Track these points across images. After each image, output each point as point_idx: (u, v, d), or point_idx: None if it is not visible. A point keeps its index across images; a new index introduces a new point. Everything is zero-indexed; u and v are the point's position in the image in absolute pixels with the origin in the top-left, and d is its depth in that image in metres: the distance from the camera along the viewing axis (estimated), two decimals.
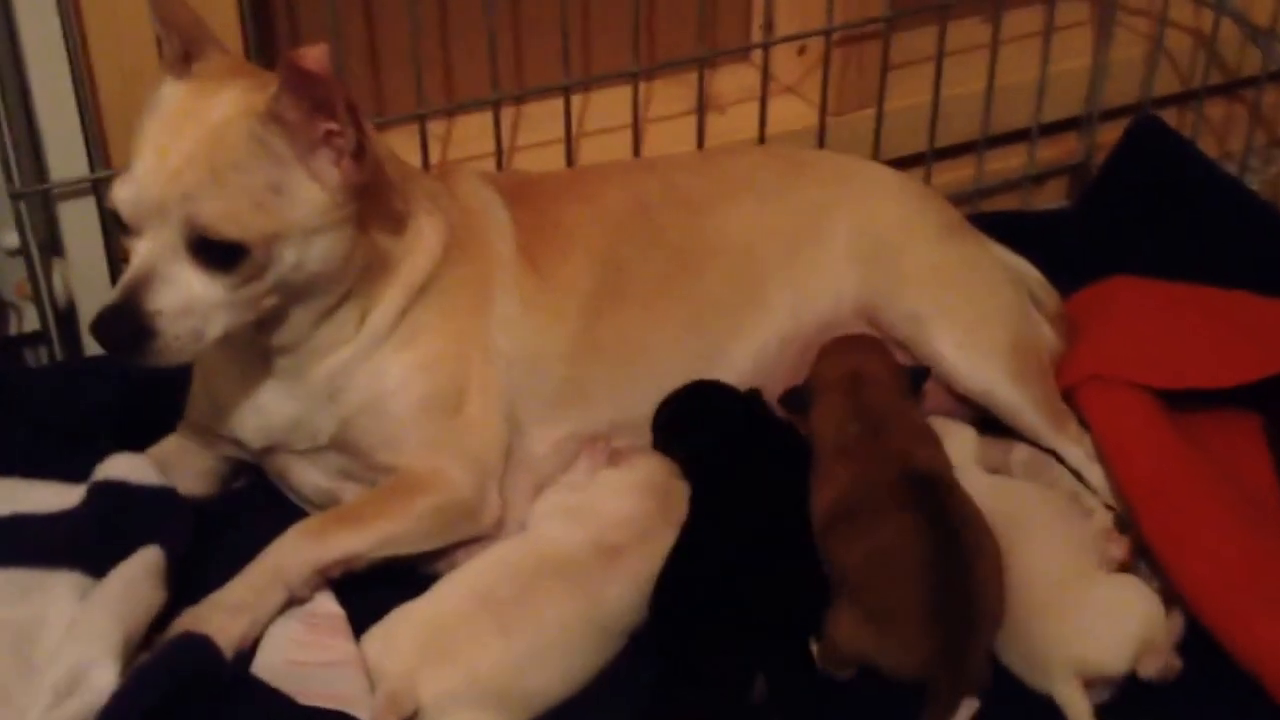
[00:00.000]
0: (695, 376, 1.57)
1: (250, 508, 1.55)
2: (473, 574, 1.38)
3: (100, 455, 1.44)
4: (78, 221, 1.66)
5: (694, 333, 1.59)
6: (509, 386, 1.49)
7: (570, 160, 1.90)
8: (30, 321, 1.73)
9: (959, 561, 1.30)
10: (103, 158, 1.65)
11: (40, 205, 1.66)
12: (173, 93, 1.30)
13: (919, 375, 1.58)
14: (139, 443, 1.51)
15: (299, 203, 1.28)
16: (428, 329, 1.45)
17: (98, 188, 1.64)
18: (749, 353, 1.61)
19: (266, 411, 1.43)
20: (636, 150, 1.93)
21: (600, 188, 1.63)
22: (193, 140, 1.25)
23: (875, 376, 1.54)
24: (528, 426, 1.51)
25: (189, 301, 1.26)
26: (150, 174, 1.25)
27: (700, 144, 1.94)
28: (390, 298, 1.42)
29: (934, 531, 1.32)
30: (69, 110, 1.59)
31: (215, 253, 1.25)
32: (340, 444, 1.45)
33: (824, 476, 1.46)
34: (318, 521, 1.40)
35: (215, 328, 1.29)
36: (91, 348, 1.64)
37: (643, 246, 1.58)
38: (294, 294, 1.33)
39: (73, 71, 1.58)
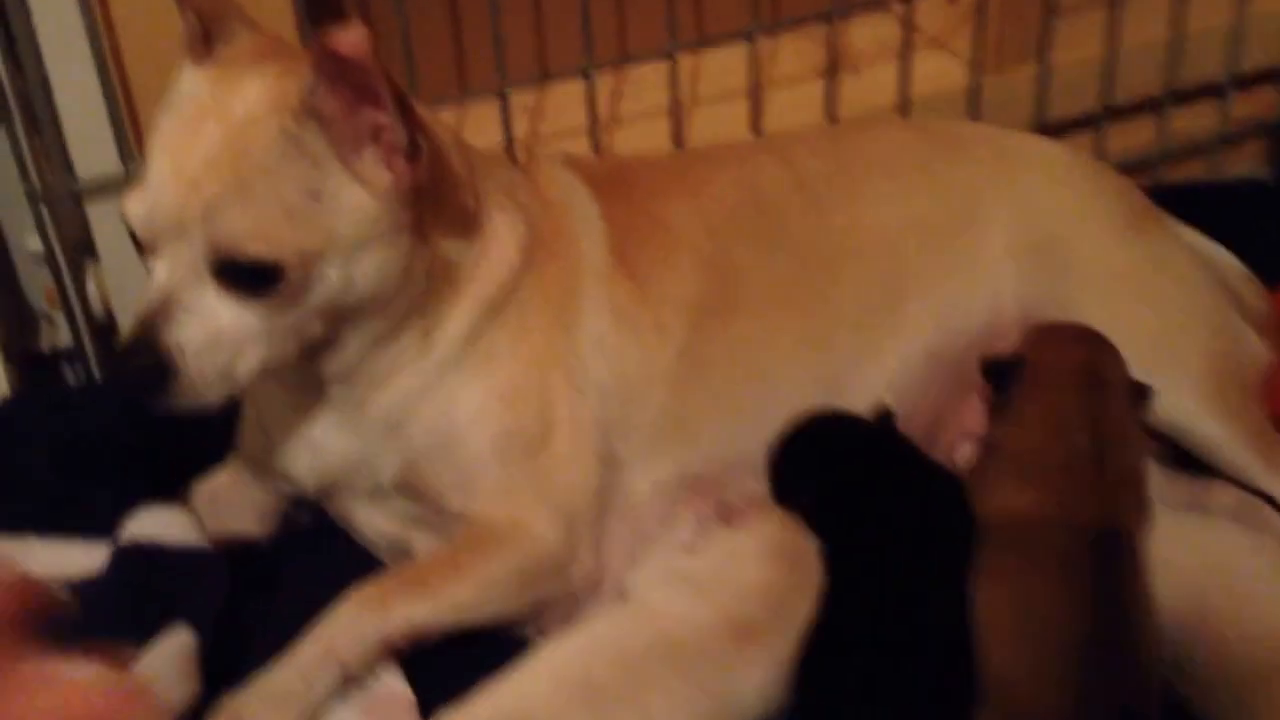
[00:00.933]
0: (822, 403, 1.37)
1: (314, 550, 1.39)
2: (567, 654, 1.20)
3: (137, 488, 1.31)
4: (110, 222, 1.51)
5: (821, 351, 1.39)
6: (601, 418, 1.31)
7: (677, 135, 1.73)
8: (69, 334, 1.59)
9: (1118, 643, 1.13)
10: (136, 152, 1.49)
11: (71, 206, 1.53)
12: (192, 83, 1.14)
13: (1143, 392, 1.34)
14: (184, 474, 1.38)
15: (343, 212, 1.12)
16: (504, 351, 1.28)
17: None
18: (886, 374, 1.41)
19: (321, 449, 1.29)
20: (755, 122, 1.75)
21: (709, 175, 1.43)
22: (214, 141, 1.09)
23: (1116, 381, 1.31)
24: (625, 464, 1.33)
25: (215, 334, 1.12)
26: (166, 184, 1.10)
27: (830, 111, 1.78)
28: (459, 315, 1.26)
29: (1098, 608, 1.15)
30: (94, 100, 1.45)
31: (245, 275, 1.10)
32: (405, 487, 1.29)
33: (991, 486, 1.27)
34: (378, 587, 1.22)
35: (248, 363, 1.14)
36: None
37: (760, 248, 1.40)
38: (343, 318, 1.18)
39: (96, 57, 1.43)
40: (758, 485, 1.35)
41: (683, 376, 1.34)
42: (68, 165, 1.49)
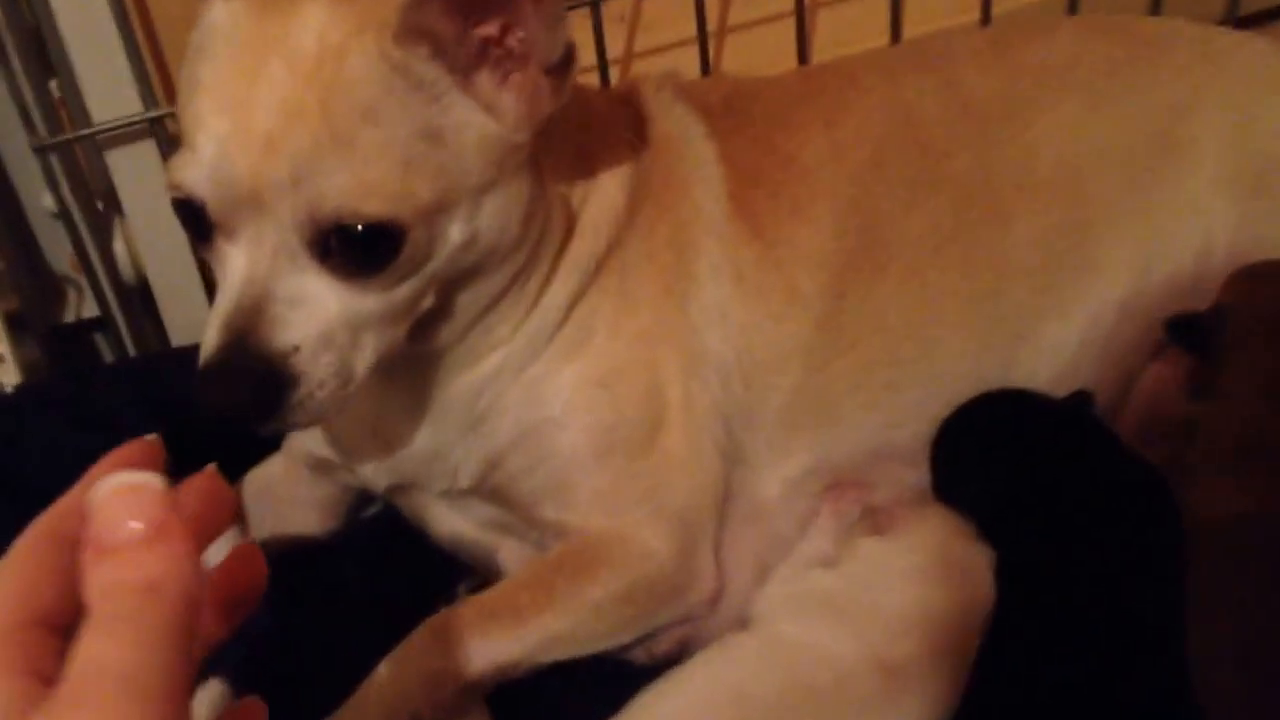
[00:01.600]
0: (990, 375, 1.18)
1: (382, 551, 1.24)
2: (681, 704, 1.03)
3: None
4: (135, 172, 1.35)
5: (990, 313, 1.19)
6: (722, 405, 1.14)
7: (803, 48, 1.50)
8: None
9: None
10: (160, 91, 1.33)
11: (93, 156, 1.36)
12: (228, 17, 0.92)
13: None
14: (230, 466, 1.15)
15: (468, 150, 0.94)
16: (604, 326, 1.11)
17: (156, 128, 1.32)
18: (1070, 336, 1.21)
19: (392, 443, 1.12)
20: (895, 23, 1.53)
21: (849, 100, 1.21)
22: (287, 85, 0.88)
23: None
24: (751, 459, 1.16)
25: (328, 328, 0.92)
26: (231, 148, 0.89)
27: (984, 9, 1.54)
28: (561, 278, 1.08)
29: None
30: (106, 32, 1.26)
31: (356, 248, 0.91)
32: (488, 490, 1.13)
33: (1201, 484, 1.07)
34: (457, 618, 1.05)
35: (365, 358, 0.95)
36: (175, 331, 1.31)
37: (914, 190, 1.19)
38: (455, 284, 1.00)
39: None
40: (913, 481, 1.18)
41: (821, 351, 1.16)
42: (81, 110, 1.32)
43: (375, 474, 1.14)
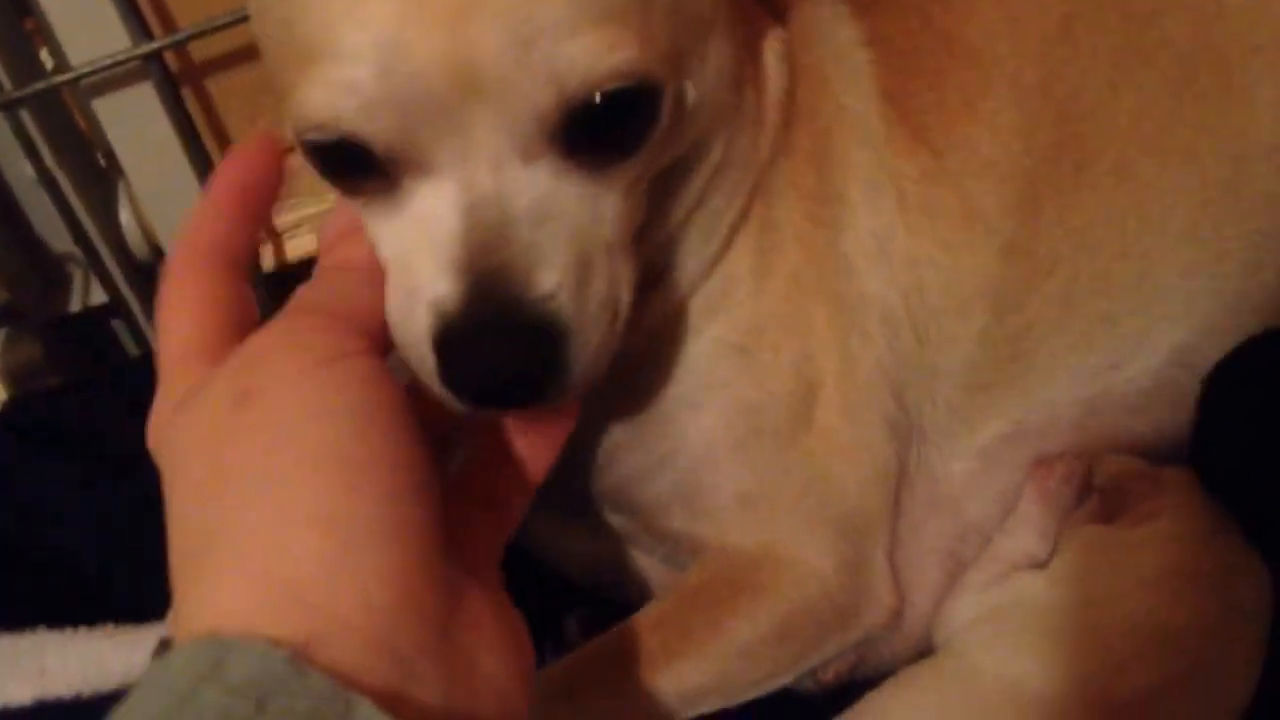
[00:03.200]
0: (1230, 289, 0.96)
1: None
2: None
3: None
4: (132, 122, 1.13)
5: (1228, 211, 0.95)
6: (890, 366, 0.92)
7: None
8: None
9: None
10: (151, 18, 1.09)
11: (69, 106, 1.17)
12: None
13: None
14: None
15: None
16: (748, 270, 0.89)
17: (152, 66, 1.10)
18: None
19: None
20: None
21: None
22: None
23: None
24: (929, 432, 0.95)
25: (584, 244, 0.72)
26: (412, 34, 0.65)
27: None
28: (711, 208, 0.87)
29: None
30: None
31: (607, 123, 0.69)
32: (606, 493, 0.93)
33: None
34: (570, 673, 0.86)
35: (626, 278, 0.75)
36: None
37: (1115, 63, 0.95)
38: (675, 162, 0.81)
39: None
40: (1143, 435, 0.95)
41: (1013, 285, 0.94)
42: (54, 50, 1.10)
43: None
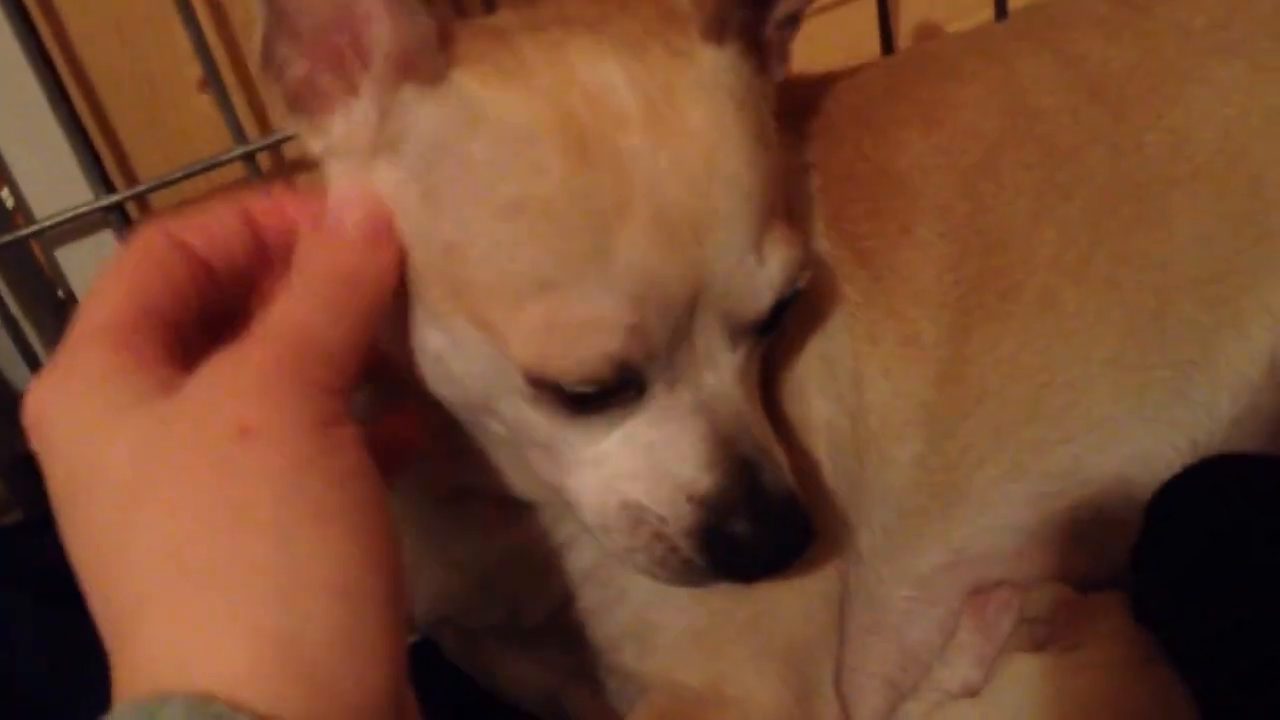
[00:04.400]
0: (1159, 416, 0.98)
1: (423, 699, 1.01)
2: None
3: None
4: (95, 267, 1.10)
5: (1152, 340, 0.98)
6: (832, 484, 0.93)
7: (886, 24, 1.28)
8: None
9: None
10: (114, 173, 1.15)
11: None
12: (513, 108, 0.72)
13: None
14: None
15: None
16: None
17: (112, 217, 1.13)
18: (1255, 354, 1.00)
19: (439, 567, 0.93)
20: None
21: (946, 92, 1.01)
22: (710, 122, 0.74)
23: None
24: (868, 555, 0.96)
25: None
26: (660, 256, 0.71)
27: None
28: None
29: None
30: (37, 110, 1.09)
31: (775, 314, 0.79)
32: (555, 631, 0.94)
33: None
34: None
35: None
36: None
37: (1038, 195, 0.98)
38: None
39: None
40: (1082, 569, 0.97)
41: (946, 411, 0.96)
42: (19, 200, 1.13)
43: (419, 605, 0.95)
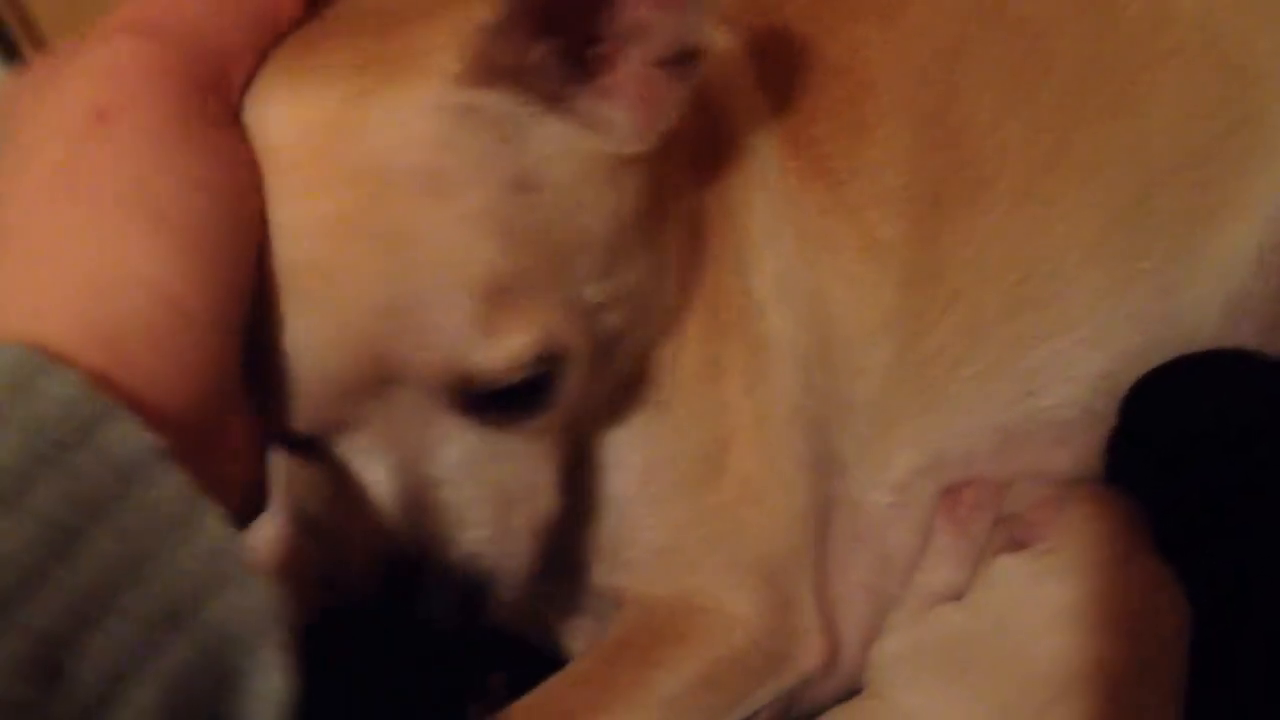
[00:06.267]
0: (1145, 310, 0.95)
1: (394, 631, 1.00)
2: None
3: None
4: None
5: (1134, 229, 0.95)
6: (802, 400, 0.92)
7: None
8: None
9: None
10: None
11: None
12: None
13: None
14: None
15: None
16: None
17: None
18: (1244, 242, 0.97)
19: None
20: None
21: None
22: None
23: None
24: (846, 466, 0.94)
25: (501, 490, 0.82)
26: (312, 350, 0.73)
27: None
28: None
29: None
30: None
31: (517, 398, 0.79)
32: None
33: None
34: None
35: (548, 492, 0.85)
36: None
37: (1008, 84, 0.95)
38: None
39: None
40: (1065, 467, 0.95)
41: (916, 314, 0.94)
42: None
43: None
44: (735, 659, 0.88)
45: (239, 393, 0.66)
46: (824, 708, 0.91)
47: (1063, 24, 0.94)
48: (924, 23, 0.94)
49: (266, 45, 0.67)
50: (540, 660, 0.96)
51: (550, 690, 0.87)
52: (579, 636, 0.96)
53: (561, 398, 0.77)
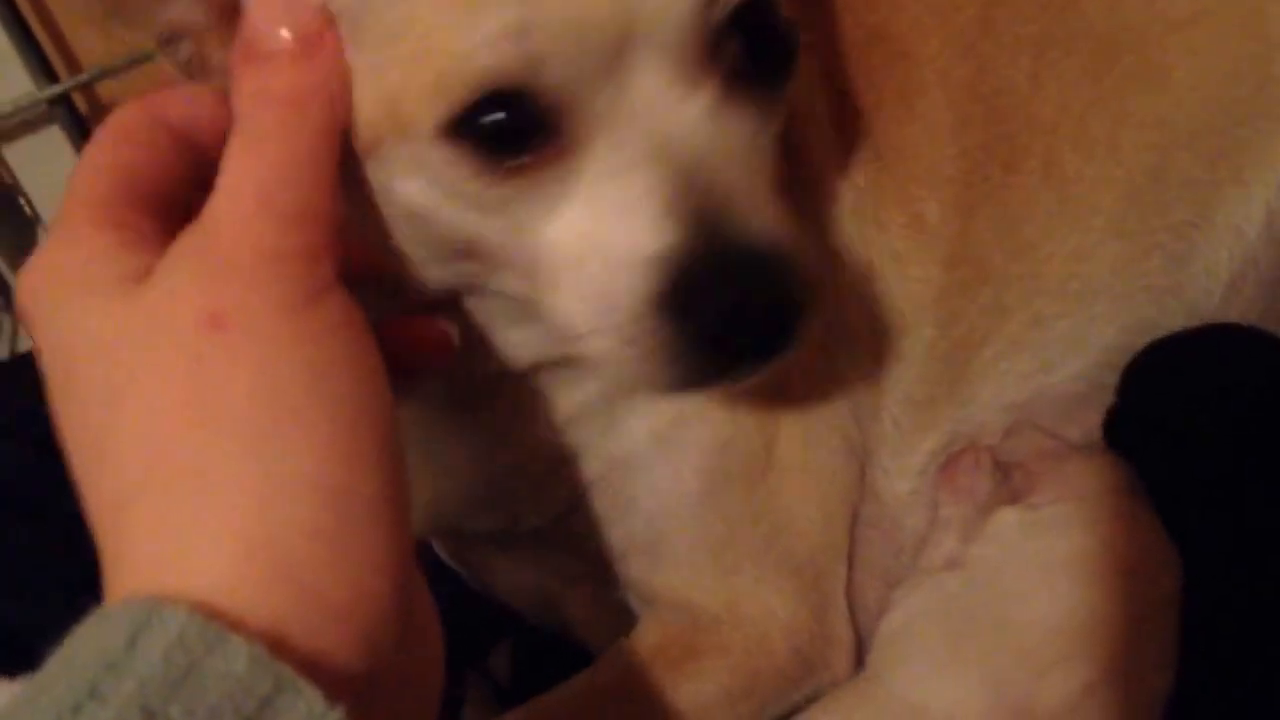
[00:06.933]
0: (1160, 282, 0.95)
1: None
2: None
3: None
4: (43, 165, 1.14)
5: (1152, 201, 0.94)
6: (849, 381, 0.90)
7: None
8: None
9: None
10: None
11: None
12: None
13: None
14: None
15: None
16: None
17: (58, 110, 1.11)
18: (1254, 210, 0.96)
19: (440, 476, 0.86)
20: None
21: None
22: None
23: None
24: (876, 452, 0.92)
25: (769, 173, 0.70)
26: None
27: None
28: None
29: None
30: None
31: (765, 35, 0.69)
32: (557, 538, 0.89)
33: None
34: None
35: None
36: None
37: (1036, 53, 0.93)
38: None
39: None
40: (1075, 439, 0.93)
41: (955, 295, 0.92)
42: None
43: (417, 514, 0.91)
44: (774, 667, 0.86)
45: (418, 573, 0.59)
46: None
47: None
48: None
49: (332, 175, 0.60)
50: (542, 636, 0.96)
51: (585, 693, 0.85)
52: (579, 604, 0.94)
53: (790, 76, 0.69)
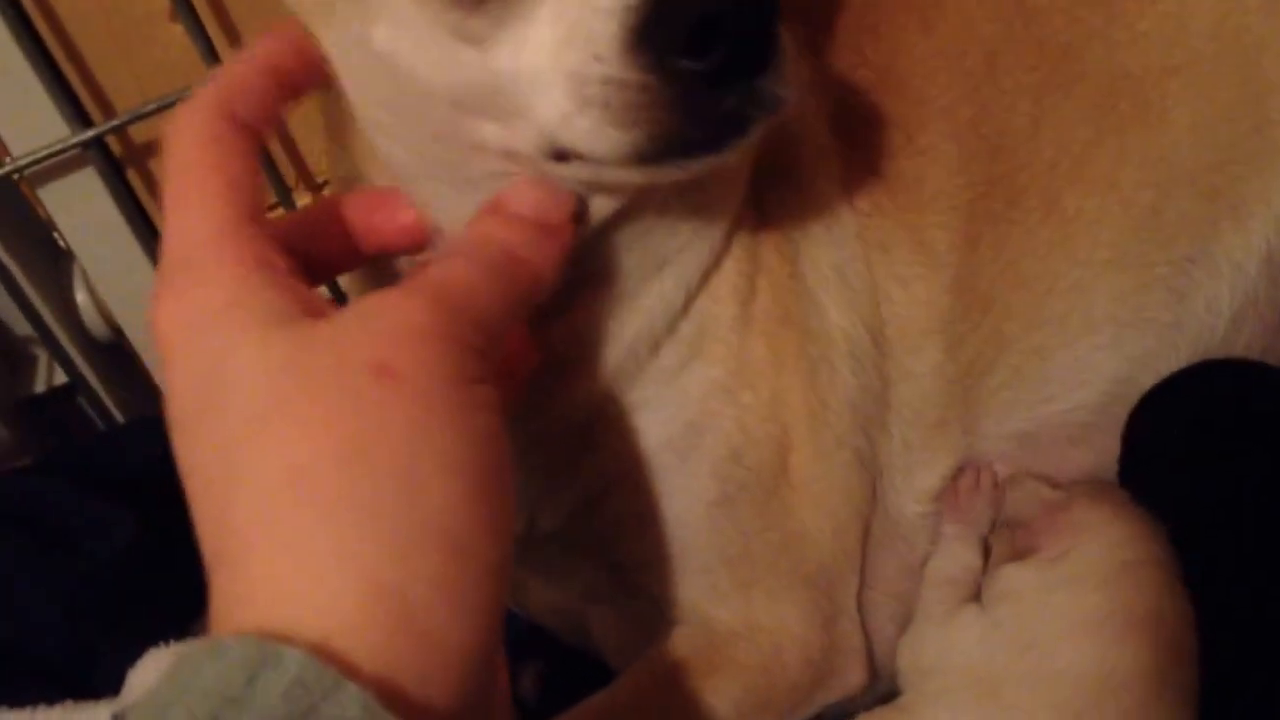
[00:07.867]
0: (1159, 316, 0.97)
1: None
2: None
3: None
4: (78, 207, 1.16)
5: (1150, 238, 0.97)
6: (857, 397, 0.91)
7: None
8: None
9: None
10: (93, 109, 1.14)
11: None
12: None
13: None
14: None
15: None
16: (724, 310, 0.87)
17: (92, 153, 1.13)
18: (1252, 245, 0.98)
19: None
20: None
21: None
22: None
23: None
24: (887, 471, 0.94)
25: None
26: None
27: None
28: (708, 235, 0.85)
29: None
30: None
31: None
32: (572, 544, 0.91)
33: None
34: None
35: None
36: None
37: (1037, 96, 0.96)
38: None
39: None
40: (1084, 465, 0.97)
41: (960, 321, 0.95)
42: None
43: None
44: (788, 681, 0.88)
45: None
46: (847, 707, 0.91)
47: (1085, 42, 0.96)
48: (961, 35, 0.95)
49: (515, 323, 0.67)
50: (568, 657, 0.98)
51: (595, 710, 0.86)
52: (601, 622, 0.96)
53: None
